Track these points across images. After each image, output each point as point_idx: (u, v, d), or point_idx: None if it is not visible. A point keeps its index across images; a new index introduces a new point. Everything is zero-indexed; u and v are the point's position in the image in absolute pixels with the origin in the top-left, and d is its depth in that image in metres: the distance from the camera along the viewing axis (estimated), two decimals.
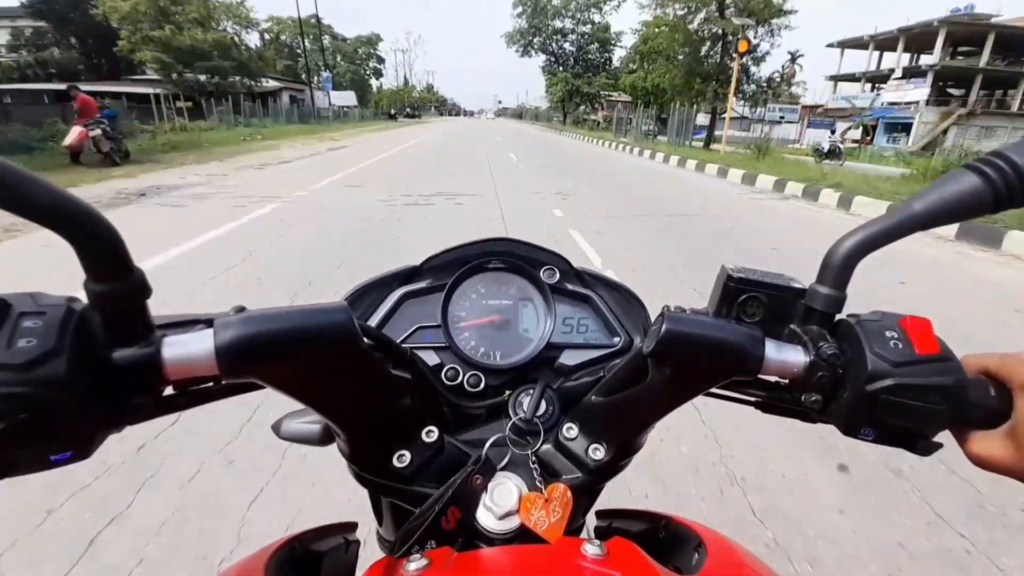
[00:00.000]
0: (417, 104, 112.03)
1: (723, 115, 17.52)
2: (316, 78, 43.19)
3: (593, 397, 0.40)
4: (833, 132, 20.29)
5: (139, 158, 10.25)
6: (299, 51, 48.90)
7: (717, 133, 20.70)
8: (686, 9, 20.38)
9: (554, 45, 48.25)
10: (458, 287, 0.49)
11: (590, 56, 47.94)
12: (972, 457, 0.33)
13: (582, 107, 47.71)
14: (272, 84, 36.64)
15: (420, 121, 62.72)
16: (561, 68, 47.94)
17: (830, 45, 36.75)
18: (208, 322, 0.31)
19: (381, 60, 61.68)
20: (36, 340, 0.23)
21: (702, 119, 24.27)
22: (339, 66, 54.96)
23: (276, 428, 0.46)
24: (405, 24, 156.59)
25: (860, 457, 1.86)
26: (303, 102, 39.88)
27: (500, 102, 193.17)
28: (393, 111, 67.09)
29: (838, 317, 0.35)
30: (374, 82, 65.37)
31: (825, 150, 16.08)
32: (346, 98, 46.64)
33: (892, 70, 35.64)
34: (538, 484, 0.38)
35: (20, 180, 0.23)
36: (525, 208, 6.50)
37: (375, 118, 56.10)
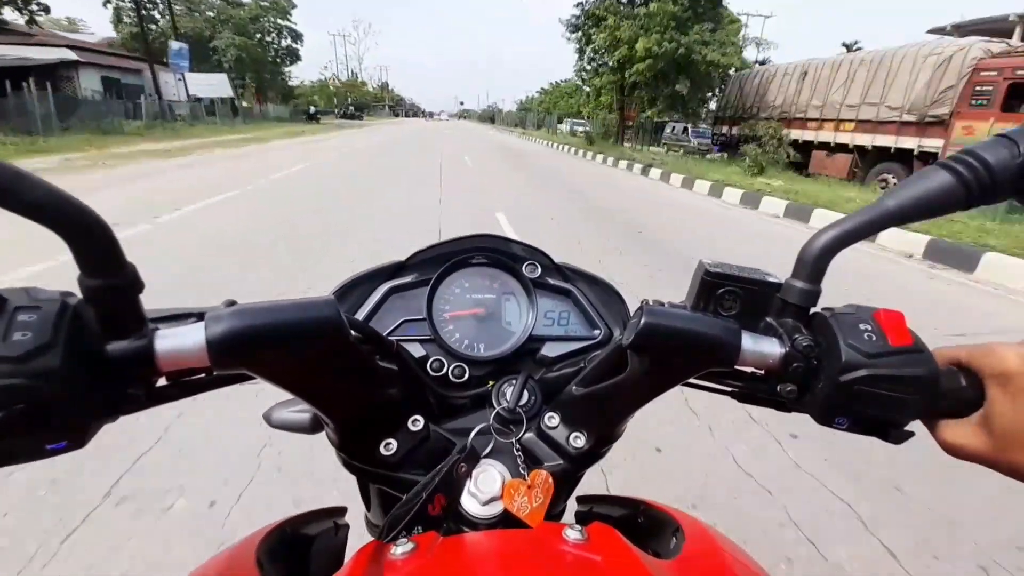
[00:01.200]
0: (363, 102, 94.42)
1: None
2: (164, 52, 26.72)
3: (574, 388, 0.41)
4: None
5: None
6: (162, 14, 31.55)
7: None
8: None
9: None
10: (443, 282, 0.50)
11: None
12: (944, 445, 0.35)
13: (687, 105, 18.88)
14: (44, 55, 20.21)
15: (357, 124, 44.60)
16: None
17: (935, 31, 22.30)
18: (200, 315, 0.32)
19: (297, 36, 44.00)
20: (31, 333, 0.24)
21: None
22: (221, 38, 33.93)
23: (267, 417, 0.47)
24: (355, 12, 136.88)
25: None
26: (143, 89, 23.70)
27: (462, 103, 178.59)
28: (314, 110, 45.34)
29: (813, 310, 0.36)
30: (294, 69, 48.30)
31: None
32: (214, 85, 27.36)
33: None
34: (521, 471, 0.39)
35: (13, 176, 0.23)
36: None
37: (284, 119, 39.18)
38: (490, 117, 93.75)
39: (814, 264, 0.35)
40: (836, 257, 0.35)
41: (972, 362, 0.33)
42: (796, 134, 13.49)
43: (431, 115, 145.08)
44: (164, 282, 3.24)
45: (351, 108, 68.61)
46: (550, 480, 0.39)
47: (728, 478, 1.80)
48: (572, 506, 0.51)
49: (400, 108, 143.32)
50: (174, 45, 26.71)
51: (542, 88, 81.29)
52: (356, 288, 0.48)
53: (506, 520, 0.37)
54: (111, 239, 0.27)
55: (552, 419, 0.42)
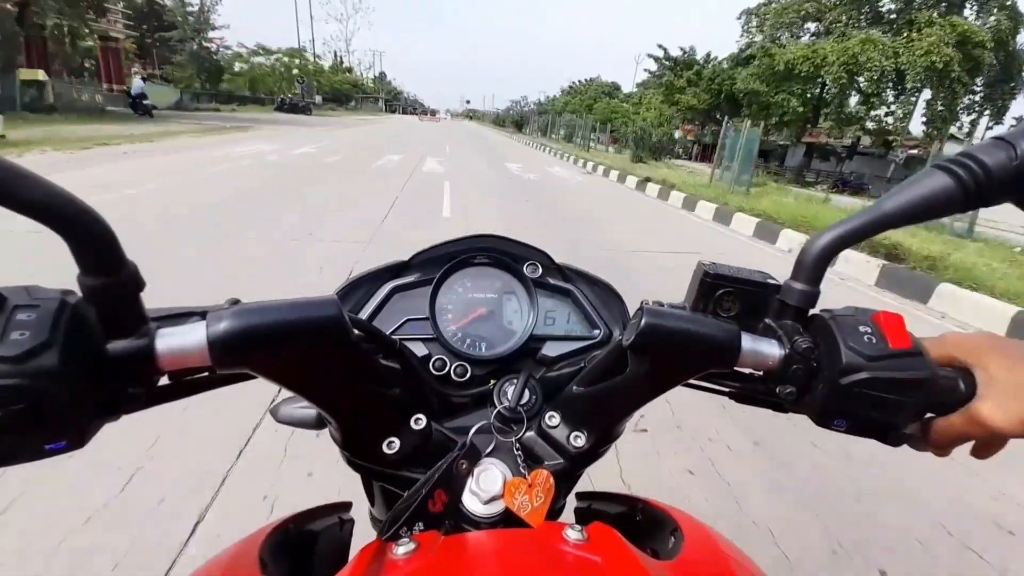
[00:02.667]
0: (344, 92, 74.71)
1: None
2: None
3: (574, 387, 0.42)
4: None
5: None
6: None
7: None
8: None
9: None
10: (445, 281, 0.50)
11: None
12: (931, 441, 0.35)
13: None
14: None
15: (250, 127, 19.27)
16: None
17: None
18: (201, 314, 0.31)
19: None
20: (29, 332, 0.24)
21: None
22: None
23: (274, 412, 0.48)
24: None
25: None
26: None
27: (468, 102, 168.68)
28: (139, 88, 18.97)
29: (812, 312, 0.37)
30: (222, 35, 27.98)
31: None
32: None
33: None
34: (522, 470, 0.40)
35: (12, 175, 0.23)
36: None
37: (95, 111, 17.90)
38: (516, 121, 51.96)
39: (813, 266, 0.35)
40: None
41: (963, 356, 0.34)
42: None
43: (434, 113, 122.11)
44: None
45: (305, 99, 48.17)
46: (550, 479, 0.39)
47: None
48: (572, 502, 0.51)
49: (397, 103, 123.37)
50: None
51: (570, 85, 59.08)
52: (359, 287, 0.49)
53: (507, 519, 0.37)
54: (111, 238, 0.26)
55: (552, 418, 0.42)
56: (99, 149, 9.25)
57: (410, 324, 0.48)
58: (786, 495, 1.78)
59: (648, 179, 10.92)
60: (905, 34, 16.37)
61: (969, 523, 1.75)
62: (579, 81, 54.80)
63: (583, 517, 0.52)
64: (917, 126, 18.52)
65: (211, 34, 34.54)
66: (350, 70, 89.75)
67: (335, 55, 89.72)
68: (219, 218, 4.97)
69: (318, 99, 62.17)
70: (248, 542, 0.40)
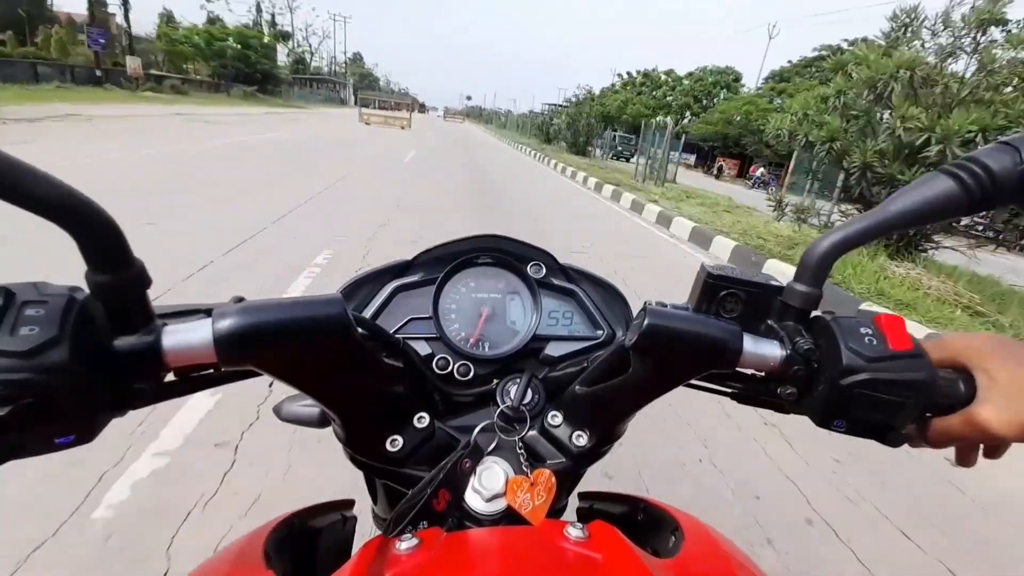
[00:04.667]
0: (264, 69, 40.13)
1: None
2: None
3: (577, 387, 0.42)
4: None
5: None
6: None
7: None
8: None
9: None
10: (449, 280, 0.50)
11: None
12: (929, 441, 0.36)
13: None
14: None
15: None
16: None
17: None
18: (207, 312, 0.32)
19: None
20: (38, 328, 0.24)
21: None
22: None
23: (277, 410, 0.48)
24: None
25: None
26: None
27: (469, 98, 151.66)
28: None
29: (814, 313, 0.37)
30: None
31: None
32: None
33: None
34: (524, 468, 0.40)
35: (20, 172, 0.23)
36: None
37: None
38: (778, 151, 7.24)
39: (816, 268, 0.35)
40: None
41: (965, 358, 0.34)
42: None
43: (396, 106, 71.71)
44: None
45: None
46: (552, 478, 0.39)
47: None
48: (574, 502, 0.52)
49: (374, 96, 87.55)
50: None
51: (626, 75, 37.13)
52: (363, 286, 0.49)
53: (509, 517, 0.38)
54: (118, 235, 0.26)
55: (555, 418, 0.42)
56: None
57: (414, 323, 0.48)
58: None
59: None
60: None
61: None
62: (629, 73, 37.07)
63: (585, 517, 0.52)
64: None
65: None
66: (287, 36, 55.49)
67: (258, 9, 55.43)
68: None
69: (132, 64, 25.02)
70: (253, 537, 0.40)
